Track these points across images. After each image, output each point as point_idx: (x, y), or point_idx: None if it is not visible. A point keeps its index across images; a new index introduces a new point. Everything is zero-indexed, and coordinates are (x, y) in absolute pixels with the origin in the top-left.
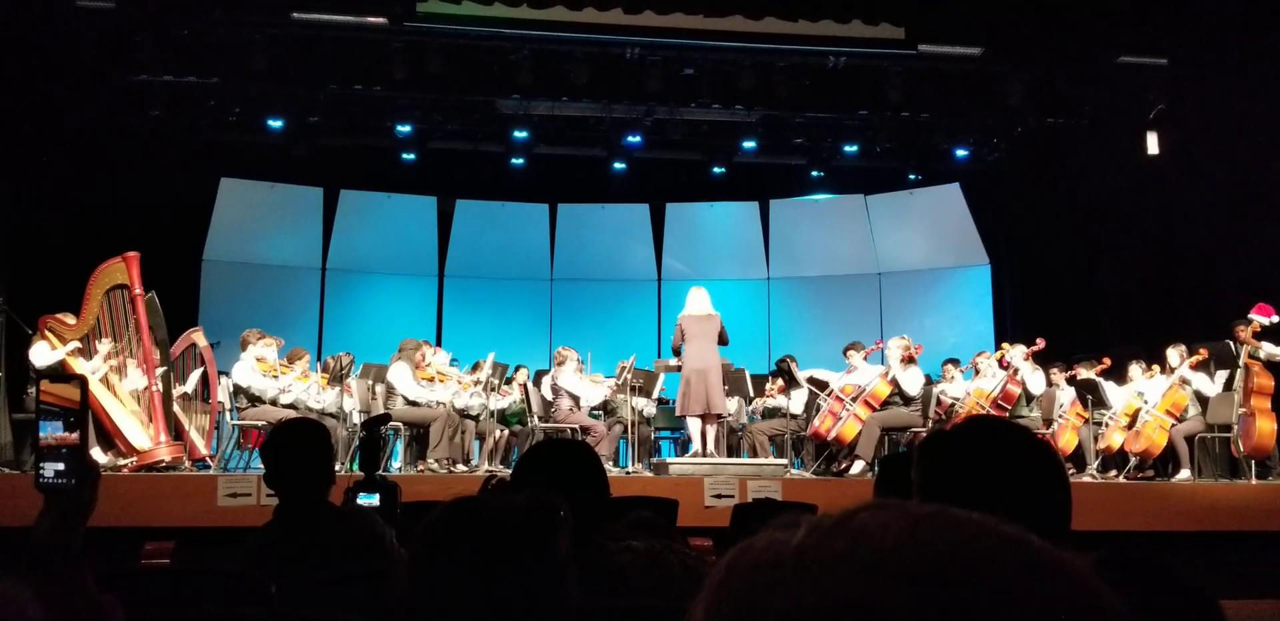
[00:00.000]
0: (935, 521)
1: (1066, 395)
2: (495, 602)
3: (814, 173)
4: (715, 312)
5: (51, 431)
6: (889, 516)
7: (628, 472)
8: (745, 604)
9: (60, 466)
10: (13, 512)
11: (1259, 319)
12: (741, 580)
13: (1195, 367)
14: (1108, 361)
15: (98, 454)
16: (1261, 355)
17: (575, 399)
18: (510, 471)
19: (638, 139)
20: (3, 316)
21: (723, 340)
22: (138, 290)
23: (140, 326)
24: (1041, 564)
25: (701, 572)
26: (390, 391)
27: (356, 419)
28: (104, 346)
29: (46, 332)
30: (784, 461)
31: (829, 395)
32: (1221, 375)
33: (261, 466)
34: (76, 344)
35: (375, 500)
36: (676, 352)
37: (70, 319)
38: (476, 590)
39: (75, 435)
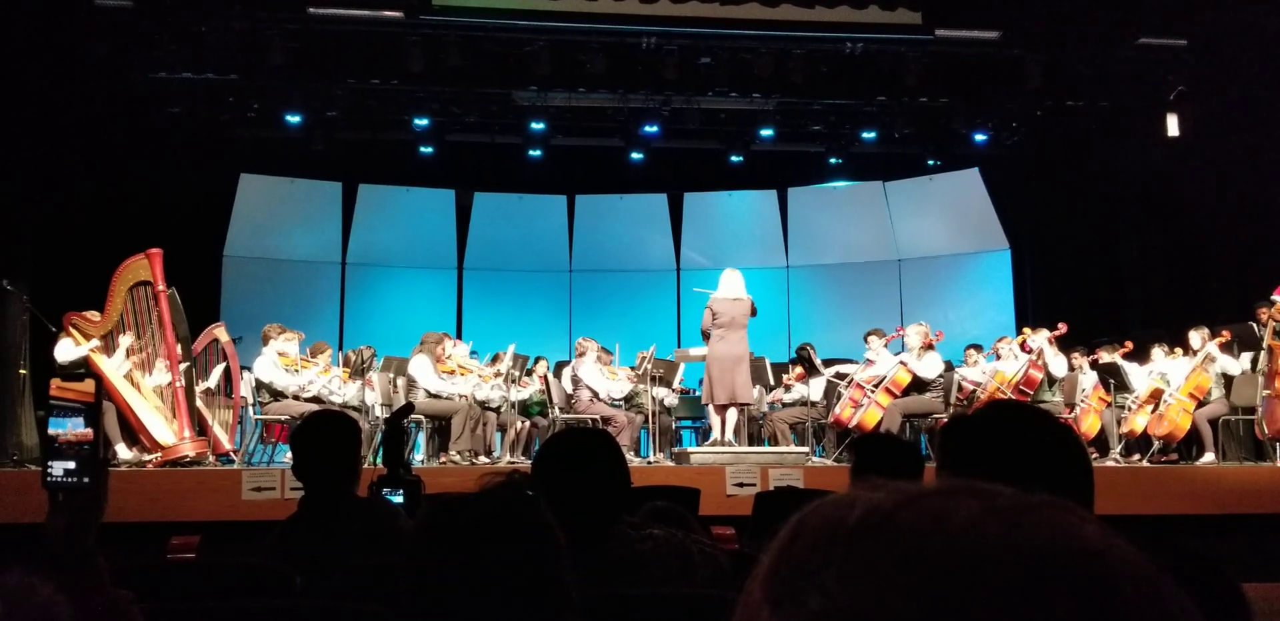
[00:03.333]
0: (993, 522)
1: (1089, 379)
2: (497, 596)
3: (832, 160)
4: (747, 297)
5: (72, 427)
6: (961, 504)
7: (649, 462)
8: (797, 580)
9: (70, 465)
10: (36, 509)
11: None
12: (800, 550)
13: (1220, 349)
14: (1130, 345)
15: (123, 450)
16: None
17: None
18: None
19: (655, 129)
20: (27, 314)
21: (752, 312)
22: (161, 286)
23: (164, 322)
24: (1121, 571)
25: (721, 562)
26: (412, 384)
27: (378, 412)
28: (124, 340)
29: (71, 329)
30: (805, 449)
31: (850, 383)
32: (1245, 357)
33: (286, 460)
34: (98, 341)
35: (400, 498)
36: (705, 336)
37: (95, 315)
38: (476, 586)
39: (89, 431)
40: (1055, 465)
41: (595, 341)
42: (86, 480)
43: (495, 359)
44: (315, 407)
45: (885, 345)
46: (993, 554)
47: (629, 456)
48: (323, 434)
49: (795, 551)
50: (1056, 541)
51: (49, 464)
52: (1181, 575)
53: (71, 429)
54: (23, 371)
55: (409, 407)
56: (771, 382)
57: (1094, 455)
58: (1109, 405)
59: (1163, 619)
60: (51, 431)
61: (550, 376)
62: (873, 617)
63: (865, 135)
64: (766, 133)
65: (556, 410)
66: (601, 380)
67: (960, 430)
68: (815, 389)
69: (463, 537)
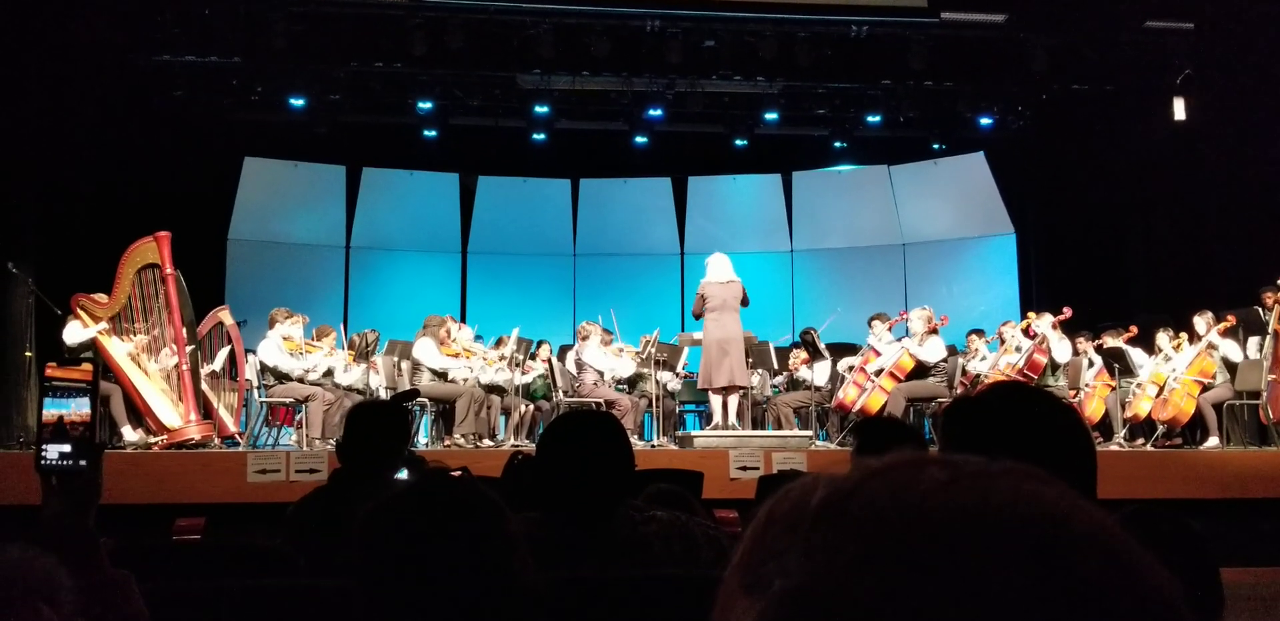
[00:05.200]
0: (952, 490)
1: (1094, 362)
2: (448, 580)
3: (837, 143)
4: (736, 278)
5: (75, 408)
6: (923, 475)
7: (653, 446)
8: (765, 564)
9: (66, 448)
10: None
11: None
12: (769, 535)
13: (1224, 334)
14: (1134, 329)
15: (128, 432)
16: None
17: (600, 373)
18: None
19: (659, 112)
20: (32, 298)
21: (744, 302)
22: (168, 269)
23: (170, 305)
24: (1082, 533)
25: (724, 544)
26: (416, 367)
27: (383, 395)
28: (139, 339)
29: (79, 311)
30: (809, 433)
31: (854, 367)
32: (1251, 342)
33: (290, 442)
34: (106, 324)
35: (404, 475)
36: (697, 317)
37: (103, 298)
38: (427, 575)
39: (87, 413)
40: (1057, 446)
41: (597, 324)
42: (83, 463)
43: (499, 342)
44: (319, 390)
45: (889, 329)
46: (950, 521)
47: (633, 440)
48: (377, 419)
49: (765, 536)
50: (1018, 506)
51: (44, 447)
52: (1161, 542)
53: (73, 410)
54: (28, 353)
55: (413, 393)
56: (775, 366)
57: (1098, 439)
58: (1113, 389)
59: (1128, 584)
60: (48, 413)
61: (554, 360)
62: (828, 593)
63: (870, 119)
64: (771, 116)
65: (560, 394)
66: (606, 359)
67: (963, 411)
68: (819, 373)
69: (404, 528)
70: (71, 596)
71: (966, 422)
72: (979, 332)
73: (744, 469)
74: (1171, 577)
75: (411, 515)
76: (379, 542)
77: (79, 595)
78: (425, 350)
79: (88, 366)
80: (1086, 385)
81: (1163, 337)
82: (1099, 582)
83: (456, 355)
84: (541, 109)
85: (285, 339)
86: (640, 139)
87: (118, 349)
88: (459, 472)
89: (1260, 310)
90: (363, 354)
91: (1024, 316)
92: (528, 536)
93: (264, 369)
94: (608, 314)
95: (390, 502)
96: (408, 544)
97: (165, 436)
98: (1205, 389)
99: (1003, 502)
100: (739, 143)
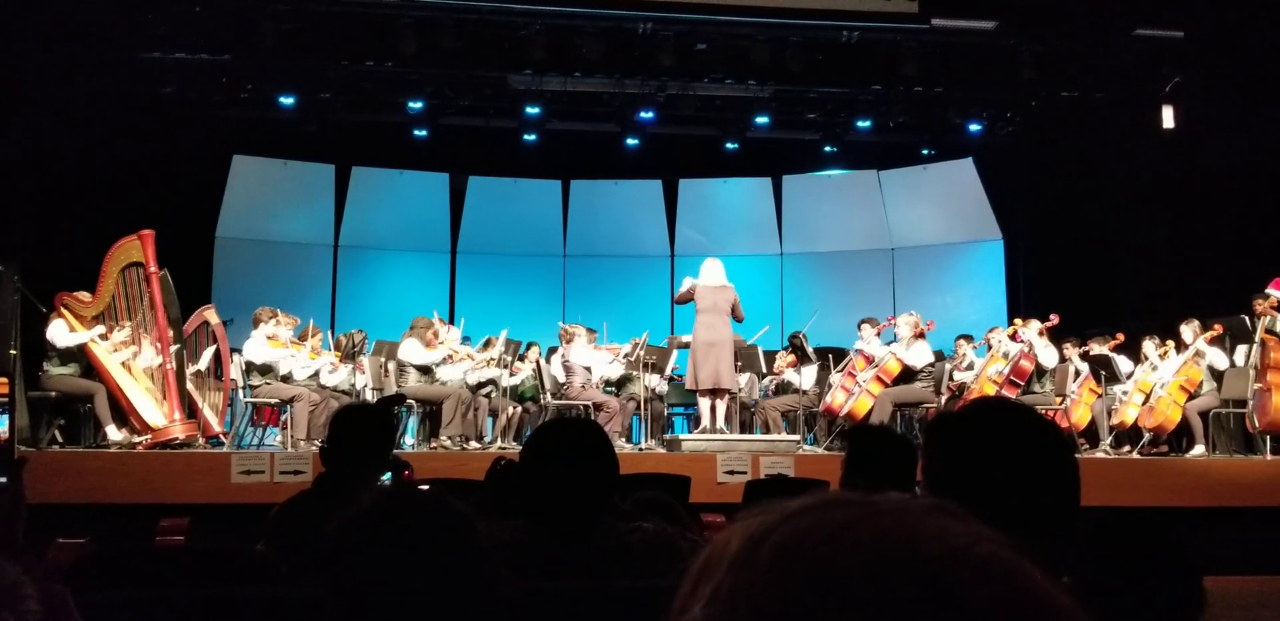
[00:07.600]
0: (855, 529)
1: (1080, 370)
2: (415, 604)
3: (827, 148)
4: (729, 284)
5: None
6: (828, 517)
7: (640, 449)
8: (689, 610)
9: None
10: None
11: (1277, 293)
12: (696, 581)
13: (1211, 343)
14: (1122, 337)
15: (112, 431)
16: (1279, 329)
17: (588, 370)
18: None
19: (650, 114)
20: (18, 294)
21: (737, 317)
22: (152, 268)
23: (155, 304)
24: (976, 565)
25: None
26: (402, 368)
27: (369, 396)
28: (119, 334)
29: (63, 310)
30: (796, 437)
31: (841, 371)
32: (1240, 350)
33: (275, 443)
34: (101, 328)
35: (387, 478)
36: (678, 303)
37: (86, 296)
38: (398, 588)
39: (4, 431)
40: (1041, 463)
41: (582, 326)
42: (4, 480)
43: (487, 344)
44: (305, 391)
45: (878, 334)
46: (848, 559)
47: (620, 442)
48: (361, 423)
49: (692, 583)
50: (916, 542)
51: None
52: (1143, 555)
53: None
54: (13, 351)
55: (400, 397)
56: (764, 370)
57: (1084, 446)
58: (1100, 396)
59: (1021, 611)
60: None
61: (542, 361)
62: None
63: (860, 124)
64: (762, 120)
65: (548, 396)
66: (594, 357)
67: (944, 430)
68: (807, 377)
69: (371, 547)
70: (35, 606)
71: (949, 441)
72: (967, 338)
73: (731, 473)
74: (1072, 603)
75: (378, 533)
76: (347, 561)
77: (41, 605)
78: (410, 350)
79: (2, 380)
80: (1073, 392)
81: (1149, 345)
82: (989, 611)
83: (449, 358)
84: (533, 110)
85: (270, 338)
86: (631, 141)
87: (102, 347)
88: (426, 487)
89: (1247, 319)
90: (349, 354)
91: (1011, 322)
92: (511, 545)
93: (249, 368)
94: (597, 320)
95: (357, 520)
96: (376, 562)
97: (149, 436)
98: (1191, 397)
99: (902, 538)
100: (730, 146)
